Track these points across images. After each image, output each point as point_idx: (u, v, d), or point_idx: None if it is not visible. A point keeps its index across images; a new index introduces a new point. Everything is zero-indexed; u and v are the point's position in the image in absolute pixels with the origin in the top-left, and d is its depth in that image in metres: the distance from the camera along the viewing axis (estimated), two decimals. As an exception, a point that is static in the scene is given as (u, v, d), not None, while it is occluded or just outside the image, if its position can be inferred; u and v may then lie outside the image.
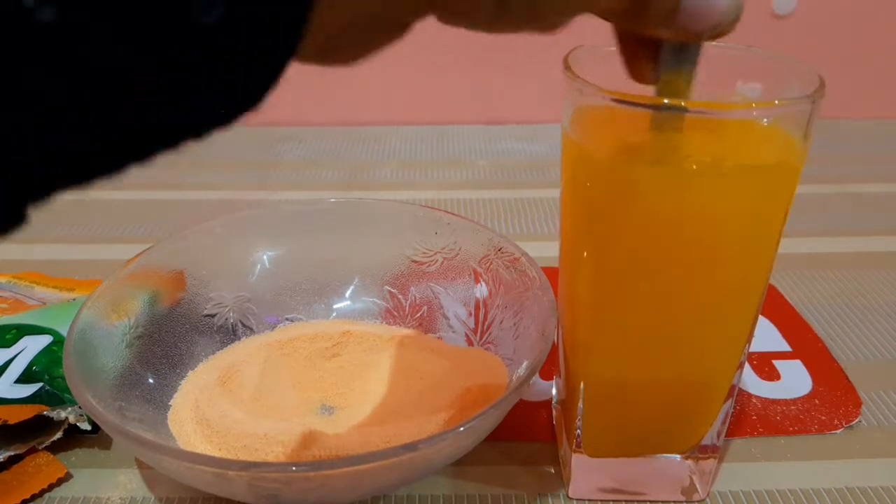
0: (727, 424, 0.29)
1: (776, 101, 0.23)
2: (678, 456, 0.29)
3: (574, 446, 0.29)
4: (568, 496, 0.31)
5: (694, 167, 0.23)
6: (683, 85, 0.22)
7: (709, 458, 0.29)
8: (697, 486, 0.30)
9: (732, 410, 0.29)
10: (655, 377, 0.27)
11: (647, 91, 0.23)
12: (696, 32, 0.20)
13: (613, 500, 0.30)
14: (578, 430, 0.29)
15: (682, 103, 0.22)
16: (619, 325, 0.27)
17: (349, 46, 0.17)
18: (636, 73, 0.23)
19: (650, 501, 0.30)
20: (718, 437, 0.29)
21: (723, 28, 0.20)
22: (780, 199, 0.24)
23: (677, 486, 0.30)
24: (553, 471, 0.32)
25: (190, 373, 0.35)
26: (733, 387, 0.28)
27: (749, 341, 0.27)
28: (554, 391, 0.35)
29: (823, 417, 0.35)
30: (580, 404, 0.28)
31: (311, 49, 0.16)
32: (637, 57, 0.23)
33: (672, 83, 0.22)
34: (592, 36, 0.24)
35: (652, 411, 0.28)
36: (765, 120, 0.23)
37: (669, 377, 0.27)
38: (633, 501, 0.30)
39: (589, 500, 0.31)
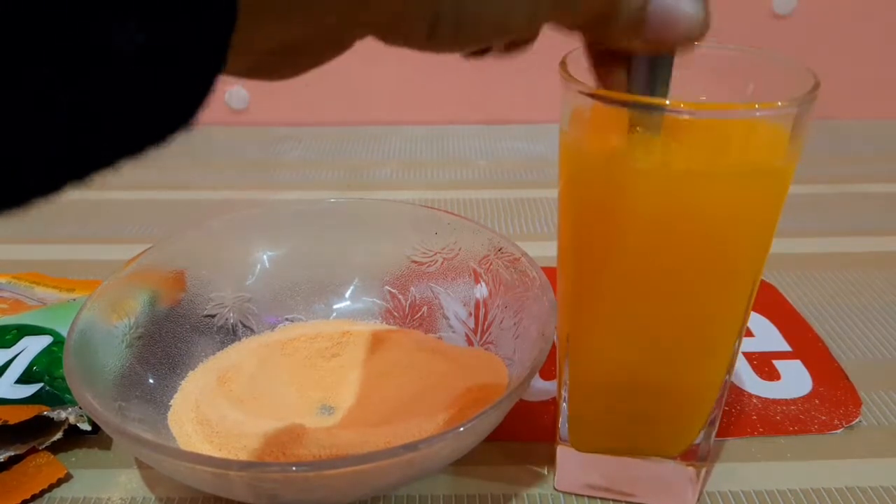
0: (717, 426, 0.29)
1: (762, 104, 0.23)
2: (669, 459, 0.29)
3: (559, 438, 0.30)
4: (555, 488, 0.31)
5: (686, 168, 0.23)
6: (660, 94, 0.22)
7: (700, 463, 0.29)
8: (688, 491, 0.30)
9: (721, 413, 0.29)
10: (644, 375, 0.27)
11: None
12: (665, 42, 0.20)
13: (602, 499, 0.31)
14: (565, 423, 0.29)
15: (673, 104, 0.22)
16: (609, 322, 0.27)
17: (285, 64, 0.17)
18: (605, 83, 0.23)
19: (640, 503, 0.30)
20: (709, 438, 0.29)
21: (692, 36, 0.20)
22: (773, 200, 0.24)
23: (668, 489, 0.30)
24: (548, 471, 0.32)
25: (190, 373, 0.35)
26: (723, 388, 0.28)
27: (739, 343, 0.27)
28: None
29: (823, 417, 0.35)
30: (565, 396, 0.29)
31: (243, 67, 0.16)
32: (609, 71, 0.23)
33: (647, 97, 0.22)
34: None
35: (641, 408, 0.28)
36: (756, 121, 0.23)
37: (658, 375, 0.27)
38: (622, 502, 0.30)
39: (577, 494, 0.31)
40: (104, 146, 0.12)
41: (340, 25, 0.16)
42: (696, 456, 0.29)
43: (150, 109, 0.12)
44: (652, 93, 0.22)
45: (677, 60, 0.22)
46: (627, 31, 0.20)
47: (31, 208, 0.12)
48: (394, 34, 0.17)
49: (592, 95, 0.23)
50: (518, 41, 0.21)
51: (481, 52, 0.21)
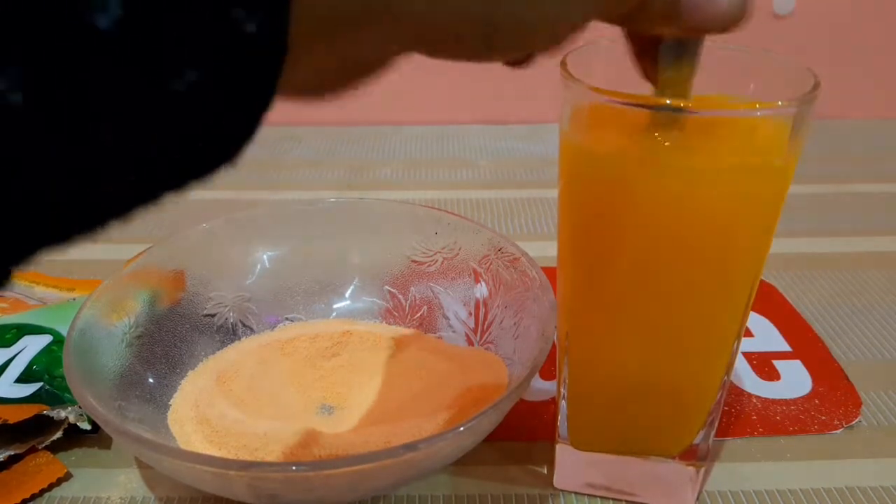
0: (716, 426, 0.29)
1: (762, 103, 0.23)
2: (669, 459, 0.29)
3: (559, 437, 0.30)
4: (554, 486, 0.31)
5: (686, 166, 0.23)
6: (683, 82, 0.22)
7: (700, 462, 0.29)
8: (688, 490, 0.30)
9: (721, 413, 0.29)
10: (643, 374, 0.27)
11: (643, 90, 0.23)
12: (698, 28, 0.20)
13: (602, 497, 0.31)
14: (564, 421, 0.29)
15: (671, 102, 0.22)
16: (608, 322, 0.27)
17: (335, 85, 0.17)
18: (647, 73, 0.23)
19: (641, 503, 0.30)
20: (708, 438, 0.29)
21: (728, 23, 0.20)
22: (772, 199, 0.24)
23: (667, 489, 0.30)
24: (547, 470, 0.32)
25: (190, 372, 0.35)
26: (723, 388, 0.28)
27: (738, 343, 0.27)
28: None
29: (823, 417, 0.35)
30: (564, 394, 0.29)
31: (295, 90, 0.16)
32: (646, 56, 0.23)
33: (671, 81, 0.22)
34: (594, 36, 0.24)
35: (640, 407, 0.28)
36: (756, 120, 0.23)
37: (657, 375, 0.27)
38: (622, 501, 0.30)
39: (576, 493, 0.31)
40: (152, 184, 0.12)
41: (390, 47, 0.16)
42: (695, 455, 0.29)
43: (200, 147, 0.12)
44: (678, 80, 0.22)
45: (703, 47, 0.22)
46: (663, 16, 0.20)
47: (71, 245, 0.13)
48: (447, 51, 0.17)
49: (592, 95, 0.23)
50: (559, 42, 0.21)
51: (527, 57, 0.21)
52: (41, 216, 0.11)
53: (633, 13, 0.20)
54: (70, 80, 0.10)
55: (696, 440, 0.29)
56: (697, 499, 0.31)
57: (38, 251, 0.12)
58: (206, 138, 0.12)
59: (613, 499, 0.31)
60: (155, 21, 0.10)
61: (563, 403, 0.29)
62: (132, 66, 0.10)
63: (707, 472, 0.32)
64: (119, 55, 0.10)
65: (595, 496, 0.31)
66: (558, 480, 0.31)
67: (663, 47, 0.22)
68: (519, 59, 0.20)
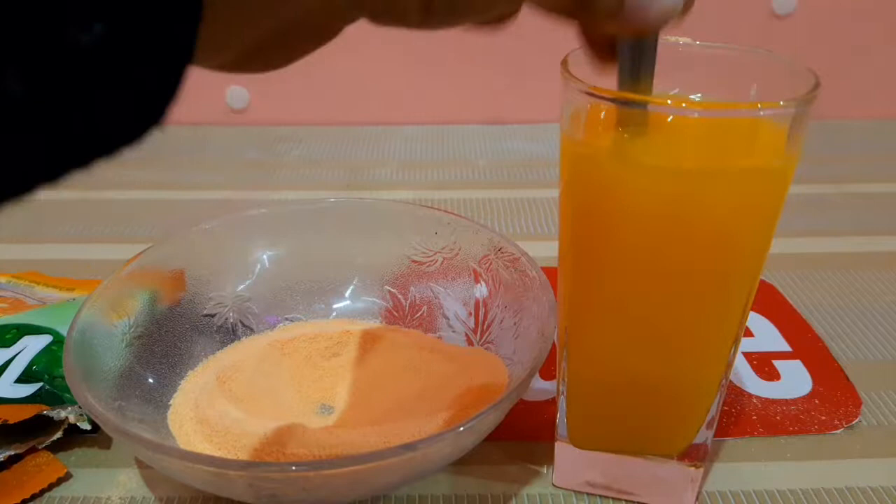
0: (715, 426, 0.29)
1: (763, 103, 0.23)
2: (668, 459, 0.29)
3: (558, 435, 0.30)
4: (553, 484, 0.31)
5: (686, 166, 0.23)
6: (643, 84, 0.22)
7: (699, 462, 0.29)
8: (688, 491, 0.30)
9: (721, 413, 0.29)
10: (643, 373, 0.27)
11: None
12: (645, 24, 0.20)
13: (602, 496, 0.31)
14: (563, 419, 0.30)
15: (674, 102, 0.22)
16: (607, 320, 0.27)
17: (273, 54, 0.17)
18: (603, 70, 0.23)
19: (640, 503, 0.30)
20: (708, 438, 0.29)
21: (671, 15, 0.20)
22: (772, 199, 0.24)
23: (667, 489, 0.30)
24: (547, 469, 0.32)
25: (190, 373, 0.35)
26: (722, 388, 0.28)
27: (737, 342, 0.27)
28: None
29: (823, 417, 0.35)
30: (563, 391, 0.29)
31: (230, 57, 0.16)
32: (602, 58, 0.23)
33: (629, 84, 0.22)
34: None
35: (639, 406, 0.28)
36: (756, 120, 0.23)
37: (657, 374, 0.27)
38: (621, 500, 0.30)
39: (576, 491, 0.31)
40: (73, 145, 0.12)
41: (329, 11, 0.16)
42: (695, 456, 0.29)
43: (118, 106, 0.12)
44: (637, 78, 0.22)
45: (661, 46, 0.22)
46: (607, 14, 0.19)
47: (1, 210, 0.12)
48: (387, 14, 0.17)
49: (593, 94, 0.23)
50: (501, 17, 0.21)
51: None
52: None
53: (572, 9, 0.19)
54: None
55: (696, 440, 0.29)
56: (697, 499, 0.31)
57: None
58: (127, 97, 0.12)
59: (613, 498, 0.31)
60: None
61: (562, 401, 0.29)
62: (34, 19, 0.10)
63: (706, 473, 0.32)
64: (20, 8, 0.10)
65: (595, 495, 0.31)
66: (557, 478, 0.31)
67: (620, 49, 0.22)
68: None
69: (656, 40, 0.22)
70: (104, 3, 0.10)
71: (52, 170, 0.12)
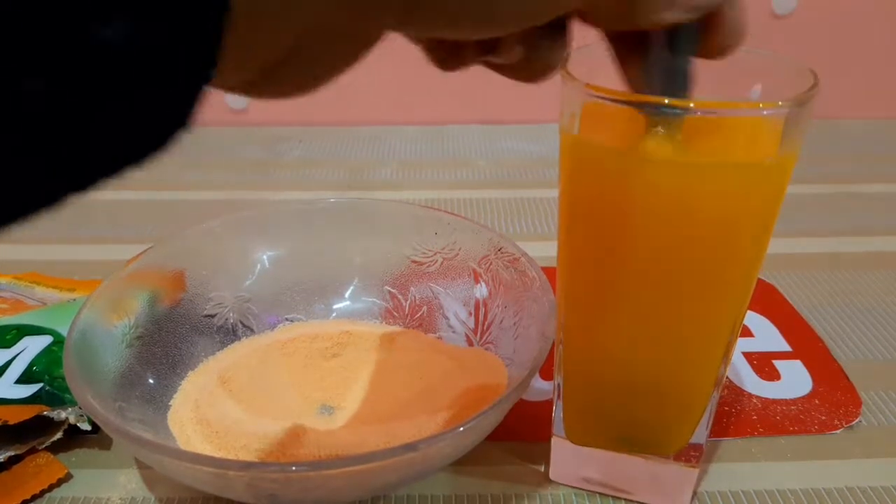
0: (711, 424, 0.29)
1: (754, 103, 0.23)
2: (664, 458, 0.29)
3: (554, 430, 0.30)
4: (548, 478, 0.31)
5: (684, 164, 0.23)
6: (680, 82, 0.22)
7: (696, 462, 0.29)
8: (684, 490, 0.30)
9: (717, 412, 0.29)
10: (640, 371, 0.27)
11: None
12: (693, 8, 0.19)
13: (600, 494, 0.31)
14: (560, 414, 0.30)
15: (668, 102, 0.22)
16: (605, 318, 0.27)
17: (297, 71, 0.16)
18: (632, 80, 0.23)
19: (637, 502, 0.30)
20: (704, 437, 0.29)
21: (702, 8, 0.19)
22: (768, 198, 0.24)
23: (663, 488, 0.30)
24: (545, 467, 0.32)
25: (190, 373, 0.35)
26: (717, 387, 0.28)
27: (733, 342, 0.27)
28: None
29: (823, 417, 0.35)
30: (560, 387, 0.29)
31: (249, 75, 0.15)
32: (632, 61, 0.22)
33: (668, 79, 0.22)
34: (594, 35, 0.24)
35: (636, 404, 0.28)
36: (754, 120, 0.23)
37: (653, 371, 0.27)
38: (618, 498, 0.31)
39: (572, 487, 0.31)
40: (99, 153, 0.11)
41: (352, 14, 0.15)
42: (691, 455, 0.29)
43: (142, 111, 0.11)
44: (672, 78, 0.22)
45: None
46: (655, 7, 0.19)
47: (31, 220, 0.12)
48: (415, 14, 0.15)
49: (592, 94, 0.23)
50: (542, 49, 0.20)
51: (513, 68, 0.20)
52: None
53: (622, 8, 0.19)
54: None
55: (692, 439, 0.29)
56: (694, 499, 0.31)
57: None
58: (148, 100, 0.11)
59: (611, 496, 0.31)
60: None
61: (559, 397, 0.30)
62: (54, 14, 0.10)
63: (703, 472, 0.32)
64: (37, 8, 0.09)
65: (592, 492, 0.31)
66: (554, 473, 0.31)
67: (654, 43, 0.22)
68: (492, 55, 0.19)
69: (696, 30, 0.21)
70: (130, 10, 0.10)
71: (78, 177, 0.11)
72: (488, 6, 0.16)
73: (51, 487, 0.31)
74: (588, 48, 0.25)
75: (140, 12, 0.10)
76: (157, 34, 0.11)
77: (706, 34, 0.21)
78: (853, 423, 0.34)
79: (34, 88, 0.10)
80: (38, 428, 0.32)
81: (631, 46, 0.22)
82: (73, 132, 0.11)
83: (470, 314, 0.38)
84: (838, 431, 0.34)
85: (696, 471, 0.29)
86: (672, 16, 0.19)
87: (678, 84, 0.22)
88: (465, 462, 0.31)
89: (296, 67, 0.15)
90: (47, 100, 0.10)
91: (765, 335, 0.41)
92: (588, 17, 0.19)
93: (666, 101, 0.22)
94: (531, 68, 0.20)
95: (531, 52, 0.20)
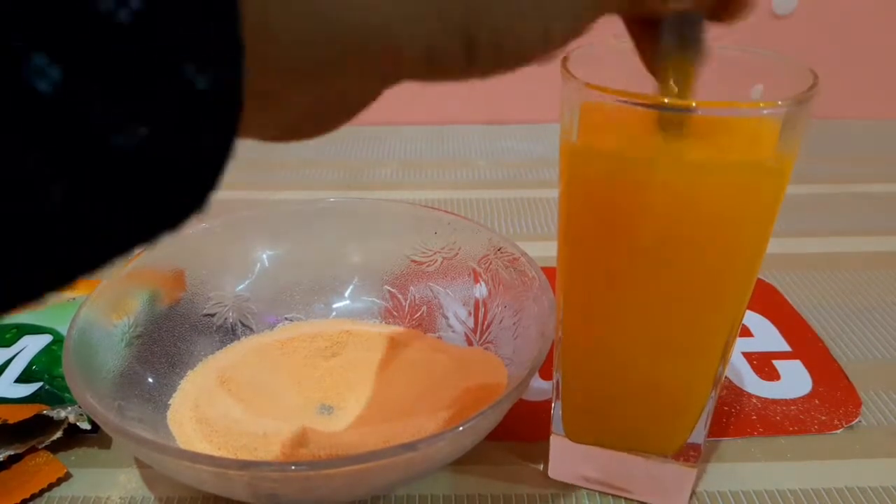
0: (709, 424, 0.29)
1: (753, 103, 0.23)
2: (663, 457, 0.29)
3: (553, 427, 0.30)
4: (548, 477, 0.31)
5: (684, 163, 0.24)
6: (688, 68, 0.22)
7: (695, 461, 0.29)
8: (683, 489, 0.30)
9: (716, 412, 0.29)
10: (640, 370, 0.27)
11: (643, 90, 0.23)
12: None
13: (600, 493, 0.31)
14: (558, 412, 0.30)
15: (668, 101, 0.22)
16: (604, 316, 0.27)
17: (314, 128, 0.17)
18: (648, 62, 0.23)
19: (636, 501, 0.30)
20: (703, 437, 0.29)
21: None
22: (767, 198, 0.24)
23: (662, 487, 0.30)
24: (544, 466, 0.32)
25: (189, 372, 0.35)
26: (716, 386, 0.28)
27: (732, 341, 0.27)
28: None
29: (823, 417, 0.35)
30: (559, 385, 0.29)
31: (269, 135, 0.16)
32: (646, 41, 0.22)
33: (676, 65, 0.22)
34: (595, 35, 0.24)
35: (633, 402, 0.28)
36: (753, 119, 0.23)
37: (652, 370, 0.27)
38: (618, 497, 0.31)
39: (571, 484, 0.31)
40: (111, 238, 0.12)
41: (367, 82, 0.15)
42: (690, 454, 0.29)
43: (165, 199, 0.12)
44: (683, 59, 0.22)
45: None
46: None
47: (43, 302, 0.12)
48: (429, 70, 0.16)
49: (592, 94, 0.23)
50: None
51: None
52: (4, 277, 0.11)
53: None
54: (13, 148, 0.10)
55: (691, 439, 0.29)
56: (692, 497, 0.31)
57: (7, 310, 0.12)
58: (170, 191, 0.12)
59: (610, 494, 0.31)
60: (98, 83, 0.10)
61: (557, 395, 0.30)
62: (77, 125, 0.10)
63: (703, 472, 0.32)
64: (61, 117, 0.10)
65: (591, 490, 0.31)
66: (553, 471, 0.31)
67: (665, 25, 0.22)
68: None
69: (703, 22, 0.22)
70: (148, 109, 0.11)
71: (94, 259, 0.12)
72: (495, 50, 0.16)
73: (50, 487, 0.31)
74: (588, 48, 0.25)
75: (156, 123, 0.11)
76: (173, 140, 0.11)
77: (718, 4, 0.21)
78: (853, 423, 0.34)
79: (56, 191, 0.11)
80: (37, 427, 0.32)
81: (646, 23, 0.22)
82: (89, 224, 0.11)
83: (469, 314, 0.38)
84: (838, 431, 0.34)
85: (695, 470, 0.29)
86: (681, 4, 0.20)
87: (691, 53, 0.22)
88: (464, 461, 0.31)
89: (311, 125, 0.17)
90: (65, 200, 0.11)
91: (765, 335, 0.41)
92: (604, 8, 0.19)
93: (665, 100, 0.22)
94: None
95: None
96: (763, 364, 0.38)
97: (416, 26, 0.14)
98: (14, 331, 0.38)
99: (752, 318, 0.42)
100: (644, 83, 0.23)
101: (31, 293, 0.12)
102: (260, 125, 0.14)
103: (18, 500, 0.30)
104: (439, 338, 0.38)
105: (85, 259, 0.12)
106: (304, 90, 0.14)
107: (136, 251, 0.13)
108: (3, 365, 0.35)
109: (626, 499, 0.31)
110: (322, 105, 0.16)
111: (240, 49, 0.11)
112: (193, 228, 0.38)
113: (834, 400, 0.36)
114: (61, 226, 0.11)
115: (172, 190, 0.12)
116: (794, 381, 0.37)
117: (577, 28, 0.17)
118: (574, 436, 0.30)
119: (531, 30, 0.16)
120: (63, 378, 0.33)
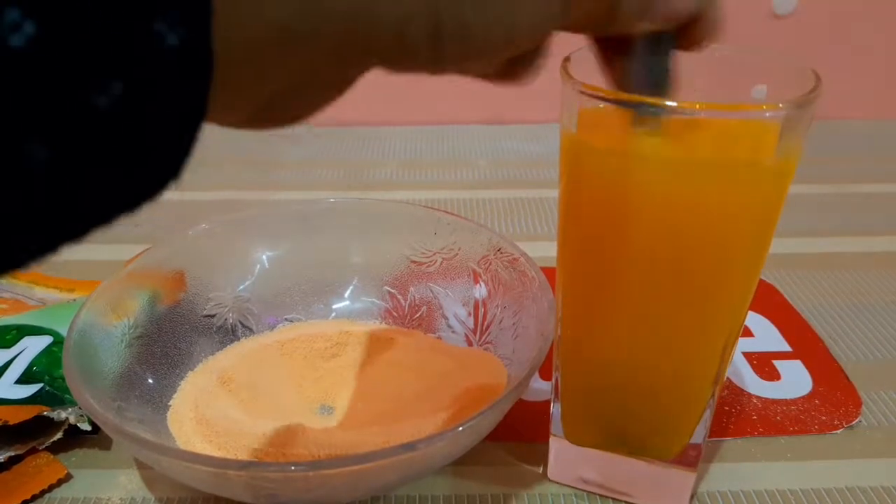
0: (709, 427, 0.29)
1: (755, 105, 0.23)
2: (664, 462, 0.29)
3: (553, 429, 0.30)
4: (547, 478, 0.31)
5: (684, 164, 0.24)
6: (662, 79, 0.22)
7: (694, 464, 0.29)
8: (683, 493, 0.30)
9: (717, 414, 0.29)
10: (638, 371, 0.27)
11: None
12: (672, 19, 0.20)
13: (600, 496, 0.31)
14: (558, 414, 0.30)
15: (666, 102, 0.22)
16: (604, 317, 0.27)
17: (286, 111, 0.17)
18: (616, 80, 0.23)
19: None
20: (703, 440, 0.29)
21: (701, 8, 0.20)
22: (768, 199, 0.24)
23: (662, 491, 0.30)
24: (543, 468, 0.32)
25: (189, 373, 0.35)
26: (716, 387, 0.28)
27: (733, 343, 0.27)
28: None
29: (823, 417, 0.35)
30: (559, 385, 0.29)
31: (241, 116, 0.16)
32: (614, 63, 0.22)
33: (650, 77, 0.22)
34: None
35: (633, 404, 0.28)
36: (754, 121, 0.23)
37: (652, 372, 0.27)
38: (618, 500, 0.31)
39: (570, 486, 0.31)
40: (92, 204, 0.12)
41: (339, 61, 0.16)
42: (689, 458, 0.29)
43: (135, 167, 0.12)
44: (654, 76, 0.22)
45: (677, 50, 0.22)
46: (637, 16, 0.19)
47: (25, 268, 0.12)
48: (397, 57, 0.16)
49: (593, 94, 0.23)
50: (526, 57, 0.20)
51: (494, 74, 0.20)
52: None
53: (602, 16, 0.19)
54: None
55: (691, 440, 0.29)
56: (693, 500, 0.31)
57: None
58: (145, 156, 0.12)
59: (610, 497, 0.31)
60: (73, 37, 0.10)
61: (556, 396, 0.30)
62: (52, 82, 0.10)
63: (703, 472, 0.32)
64: (36, 73, 0.10)
65: (591, 493, 0.31)
66: (552, 473, 0.31)
67: (636, 50, 0.22)
68: (485, 73, 0.20)
69: (673, 36, 0.21)
70: (121, 65, 0.11)
71: (71, 227, 0.12)
72: (461, 41, 0.16)
73: (51, 488, 0.31)
74: (588, 49, 0.25)
75: (130, 79, 0.11)
76: (147, 98, 0.11)
77: (684, 31, 0.21)
78: (853, 423, 0.34)
79: (37, 152, 0.11)
80: (38, 428, 0.32)
81: (614, 47, 0.22)
82: (71, 189, 0.11)
83: (469, 314, 0.38)
84: (838, 431, 0.34)
85: (695, 473, 0.29)
86: (650, 26, 0.20)
87: (661, 82, 0.22)
88: (464, 462, 0.31)
89: (282, 111, 0.17)
90: (48, 161, 0.11)
91: (765, 335, 0.41)
92: (571, 25, 0.20)
93: (666, 102, 0.22)
94: (513, 73, 0.20)
95: (513, 62, 0.20)
96: (763, 364, 0.38)
97: (395, 6, 0.15)
98: (14, 332, 0.38)
99: (752, 318, 0.42)
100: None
101: (14, 259, 0.12)
102: (227, 104, 0.14)
103: (19, 501, 0.30)
104: (439, 338, 0.38)
105: (67, 226, 0.12)
106: (274, 62, 0.15)
107: (117, 221, 0.13)
108: (3, 366, 0.35)
109: (625, 502, 0.30)
110: (291, 88, 0.16)
111: (209, 8, 0.12)
112: (193, 229, 0.38)
113: (834, 400, 0.36)
114: (43, 189, 0.11)
115: (148, 155, 0.12)
116: (795, 381, 0.37)
117: (538, 37, 0.18)
118: (573, 438, 0.30)
119: (496, 23, 0.16)
120: (63, 379, 0.33)
